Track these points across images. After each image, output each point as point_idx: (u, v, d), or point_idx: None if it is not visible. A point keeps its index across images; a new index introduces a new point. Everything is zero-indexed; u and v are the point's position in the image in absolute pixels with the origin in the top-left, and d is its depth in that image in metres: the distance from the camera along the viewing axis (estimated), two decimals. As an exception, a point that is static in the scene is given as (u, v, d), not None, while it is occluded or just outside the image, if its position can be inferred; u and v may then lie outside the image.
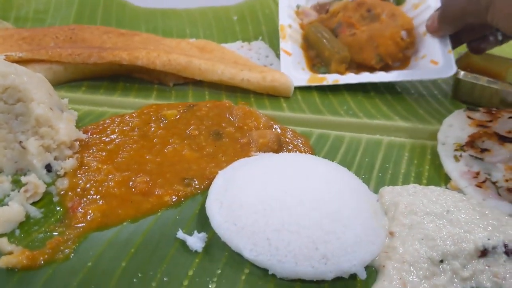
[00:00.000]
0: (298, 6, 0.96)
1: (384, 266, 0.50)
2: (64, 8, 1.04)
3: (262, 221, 0.50)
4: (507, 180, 0.62)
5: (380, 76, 0.81)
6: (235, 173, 0.57)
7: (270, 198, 0.51)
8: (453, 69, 0.79)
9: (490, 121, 0.72)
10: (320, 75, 0.84)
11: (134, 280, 0.47)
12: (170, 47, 0.88)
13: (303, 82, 0.82)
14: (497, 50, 0.84)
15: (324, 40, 0.87)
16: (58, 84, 0.78)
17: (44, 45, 0.83)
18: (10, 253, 0.48)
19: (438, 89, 0.88)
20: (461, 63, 0.83)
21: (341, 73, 0.84)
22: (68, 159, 0.61)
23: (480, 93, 0.82)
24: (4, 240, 0.49)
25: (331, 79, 0.82)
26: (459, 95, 0.84)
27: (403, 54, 0.87)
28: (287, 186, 0.52)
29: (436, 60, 0.82)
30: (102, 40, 0.86)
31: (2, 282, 0.45)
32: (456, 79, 0.83)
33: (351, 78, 0.82)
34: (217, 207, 0.53)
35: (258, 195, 0.52)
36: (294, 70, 0.84)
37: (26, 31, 0.87)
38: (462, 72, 0.81)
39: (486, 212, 0.56)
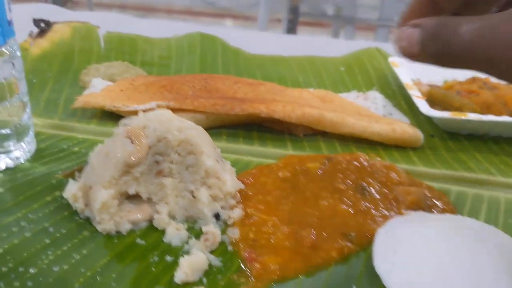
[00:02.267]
0: (413, 79, 1.00)
1: None
2: (187, 54, 1.11)
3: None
4: None
5: None
6: (399, 233, 0.59)
7: (444, 263, 0.53)
8: None
9: None
10: (461, 113, 0.86)
11: (327, 336, 0.49)
12: (294, 97, 0.93)
13: (448, 116, 0.85)
14: None
15: (453, 95, 0.89)
16: (199, 131, 0.84)
17: (183, 93, 0.89)
18: (209, 302, 0.52)
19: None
20: None
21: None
22: (233, 209, 0.65)
23: None
24: (202, 289, 0.53)
25: (473, 116, 0.85)
26: None
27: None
28: (464, 252, 0.54)
29: None
30: (233, 90, 0.92)
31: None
32: None
33: (494, 118, 0.84)
34: (388, 267, 0.56)
35: (431, 258, 0.54)
36: (434, 111, 0.86)
37: (164, 79, 0.94)
38: None
39: None
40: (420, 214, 0.65)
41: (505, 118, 0.85)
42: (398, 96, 1.01)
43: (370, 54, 1.16)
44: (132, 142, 0.62)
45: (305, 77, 1.10)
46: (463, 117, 0.84)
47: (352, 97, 1.01)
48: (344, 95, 1.00)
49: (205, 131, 0.71)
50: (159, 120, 0.65)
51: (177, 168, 0.65)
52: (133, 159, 0.61)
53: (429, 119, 0.93)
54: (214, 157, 0.66)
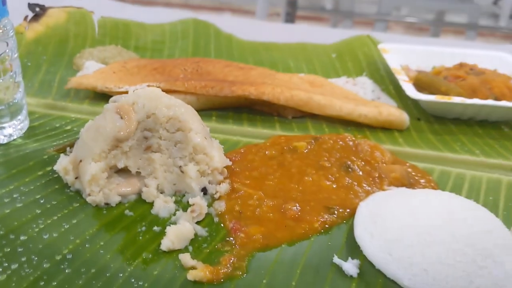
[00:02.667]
0: (401, 65, 1.01)
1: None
2: (180, 39, 1.13)
3: (419, 253, 0.54)
4: None
5: (506, 103, 0.86)
6: (380, 206, 0.61)
7: (425, 233, 0.55)
8: None
9: None
10: (446, 97, 0.88)
11: (305, 299, 0.51)
12: (283, 81, 0.95)
13: (433, 99, 0.87)
14: None
15: (439, 80, 0.91)
16: (190, 112, 0.86)
17: (174, 76, 0.91)
18: (193, 267, 0.53)
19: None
20: None
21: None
22: (221, 184, 0.67)
23: None
24: (187, 255, 0.55)
25: (457, 100, 0.86)
26: None
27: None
28: (439, 222, 0.56)
29: None
30: (224, 73, 0.94)
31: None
32: None
33: (478, 101, 0.86)
34: (368, 237, 0.58)
35: (412, 229, 0.56)
36: (420, 94, 0.88)
37: (156, 62, 0.95)
38: None
39: None
40: (402, 190, 0.67)
41: (489, 102, 0.86)
42: (387, 81, 1.03)
43: (361, 41, 1.18)
44: (121, 118, 0.64)
45: (296, 63, 1.12)
46: (448, 100, 0.86)
47: (342, 82, 1.02)
48: (333, 80, 1.02)
49: (194, 109, 0.73)
50: (148, 97, 0.66)
51: (166, 144, 0.67)
52: (122, 133, 0.63)
53: (416, 103, 0.95)
54: (202, 134, 0.68)
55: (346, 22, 3.62)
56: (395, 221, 0.58)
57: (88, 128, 0.66)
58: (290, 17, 3.53)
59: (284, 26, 1.83)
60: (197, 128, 0.67)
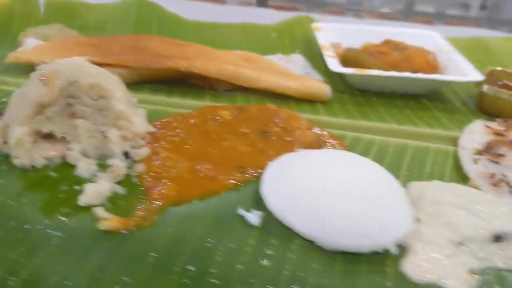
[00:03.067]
0: (332, 43, 1.07)
1: (412, 245, 0.59)
2: (123, 19, 1.16)
3: (310, 202, 0.60)
4: (519, 181, 0.71)
5: (418, 75, 0.93)
6: (286, 165, 0.67)
7: (316, 184, 0.61)
8: (480, 76, 0.91)
9: (506, 130, 0.81)
10: (365, 70, 0.94)
11: (207, 244, 0.57)
12: (219, 57, 0.99)
13: (353, 72, 0.93)
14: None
15: (363, 55, 0.97)
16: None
17: (110, 51, 0.94)
18: (106, 219, 0.58)
19: (461, 102, 0.98)
20: (486, 78, 0.94)
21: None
22: (142, 148, 0.71)
23: (502, 106, 0.91)
24: (101, 208, 0.59)
25: (376, 72, 0.93)
26: (482, 107, 0.94)
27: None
28: (330, 175, 0.62)
29: (463, 72, 0.94)
30: (160, 49, 0.98)
31: (102, 241, 0.56)
32: (480, 93, 0.93)
33: (393, 73, 0.92)
34: (270, 191, 0.64)
35: (306, 181, 0.62)
36: (341, 68, 0.94)
37: (95, 39, 0.99)
38: (486, 86, 0.92)
39: (501, 206, 0.65)
40: (309, 151, 0.73)
41: (405, 74, 0.93)
42: (318, 58, 1.08)
43: (300, 22, 1.23)
44: (44, 85, 0.68)
45: (236, 41, 1.16)
46: (366, 73, 0.92)
47: (276, 59, 1.07)
48: (269, 57, 1.07)
49: (119, 79, 0.77)
50: (71, 65, 0.71)
51: (90, 110, 0.71)
52: (45, 99, 0.67)
53: (343, 78, 1.01)
54: (125, 102, 0.72)
55: (317, 12, 3.67)
56: (296, 176, 0.64)
57: (16, 96, 0.70)
58: (263, 6, 3.56)
59: (234, 8, 1.86)
60: (120, 96, 0.72)
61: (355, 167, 0.65)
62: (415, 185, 0.69)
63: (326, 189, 0.61)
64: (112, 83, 0.72)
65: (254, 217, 0.61)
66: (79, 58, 0.72)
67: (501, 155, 0.75)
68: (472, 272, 0.58)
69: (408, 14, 3.46)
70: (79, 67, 0.70)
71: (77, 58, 0.71)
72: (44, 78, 0.68)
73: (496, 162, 0.74)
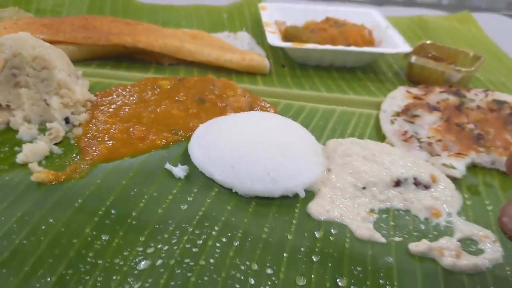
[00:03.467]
0: (277, 20, 1.13)
1: (320, 189, 0.66)
2: (78, 2, 1.22)
3: (229, 155, 0.66)
4: (429, 137, 0.78)
5: (351, 48, 0.99)
6: (213, 125, 0.73)
7: (236, 139, 0.67)
8: (409, 48, 0.98)
9: (424, 94, 0.88)
10: (301, 43, 1.00)
11: (131, 193, 0.63)
12: (167, 34, 1.05)
13: (289, 45, 0.99)
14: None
15: (303, 31, 1.04)
16: (73, 62, 0.95)
17: (61, 30, 1.00)
18: (39, 172, 0.64)
19: (393, 73, 1.05)
20: (415, 50, 1.01)
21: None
22: (82, 114, 0.77)
23: (428, 75, 0.98)
24: (35, 164, 0.65)
25: (311, 46, 0.99)
26: (411, 77, 1.01)
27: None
28: (250, 131, 0.69)
29: (395, 46, 1.01)
30: (109, 27, 1.03)
31: (34, 191, 0.61)
32: (409, 63, 1.00)
33: (327, 47, 0.99)
34: (196, 147, 0.70)
35: (227, 137, 0.68)
36: (279, 42, 1.00)
37: (46, 19, 1.04)
38: (414, 57, 0.99)
39: (407, 158, 0.72)
40: (239, 114, 0.79)
41: (339, 47, 0.99)
42: (263, 35, 1.14)
43: (250, 3, 1.30)
44: (-13, 56, 0.73)
45: (188, 22, 1.22)
46: (301, 46, 0.99)
47: (224, 36, 1.14)
48: (217, 35, 1.13)
49: (63, 52, 0.82)
50: (15, 38, 0.76)
51: (33, 80, 0.76)
52: (-12, 69, 0.72)
53: (284, 53, 1.07)
54: (66, 72, 0.78)
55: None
56: (218, 132, 0.70)
57: (-38, 68, 0.75)
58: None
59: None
60: (61, 66, 0.77)
61: (273, 124, 0.71)
62: (332, 141, 0.75)
63: (242, 142, 0.67)
64: (54, 54, 0.78)
65: (179, 170, 0.67)
66: (24, 33, 0.77)
67: (417, 116, 0.82)
68: (372, 211, 0.64)
69: (381, 2, 3.54)
70: (23, 40, 0.75)
71: (22, 33, 0.77)
72: (-14, 49, 0.73)
73: (412, 122, 0.81)
